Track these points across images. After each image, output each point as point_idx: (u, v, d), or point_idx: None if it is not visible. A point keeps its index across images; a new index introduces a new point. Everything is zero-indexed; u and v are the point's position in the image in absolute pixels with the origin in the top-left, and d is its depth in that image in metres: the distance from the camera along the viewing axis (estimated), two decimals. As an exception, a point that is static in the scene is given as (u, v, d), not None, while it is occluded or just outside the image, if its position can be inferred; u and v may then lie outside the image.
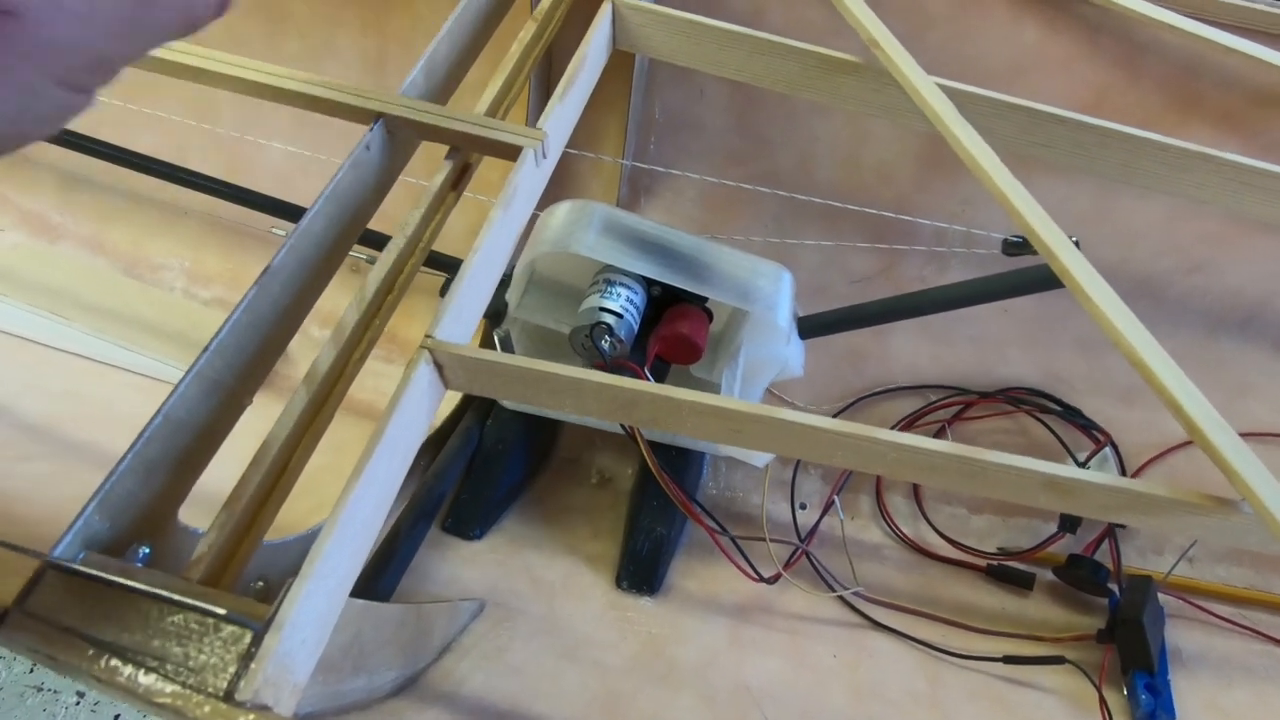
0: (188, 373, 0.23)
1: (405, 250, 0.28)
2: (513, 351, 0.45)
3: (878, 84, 0.34)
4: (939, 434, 0.53)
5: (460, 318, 0.26)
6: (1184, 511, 0.24)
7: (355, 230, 0.30)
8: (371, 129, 0.30)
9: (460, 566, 0.43)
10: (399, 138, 0.31)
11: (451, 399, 0.53)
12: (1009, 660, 0.41)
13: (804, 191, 0.54)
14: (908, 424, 0.53)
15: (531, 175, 0.30)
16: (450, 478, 0.44)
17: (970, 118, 0.34)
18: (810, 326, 0.46)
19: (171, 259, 0.58)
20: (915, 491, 0.53)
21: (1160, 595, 0.45)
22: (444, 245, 0.31)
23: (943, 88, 0.33)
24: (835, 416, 0.54)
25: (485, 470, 0.48)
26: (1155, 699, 0.40)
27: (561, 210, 0.43)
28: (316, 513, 0.40)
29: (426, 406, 0.25)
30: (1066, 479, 0.23)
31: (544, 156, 0.31)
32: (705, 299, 0.43)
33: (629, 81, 0.50)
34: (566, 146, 0.55)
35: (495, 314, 0.48)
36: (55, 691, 0.56)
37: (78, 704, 0.55)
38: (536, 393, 0.25)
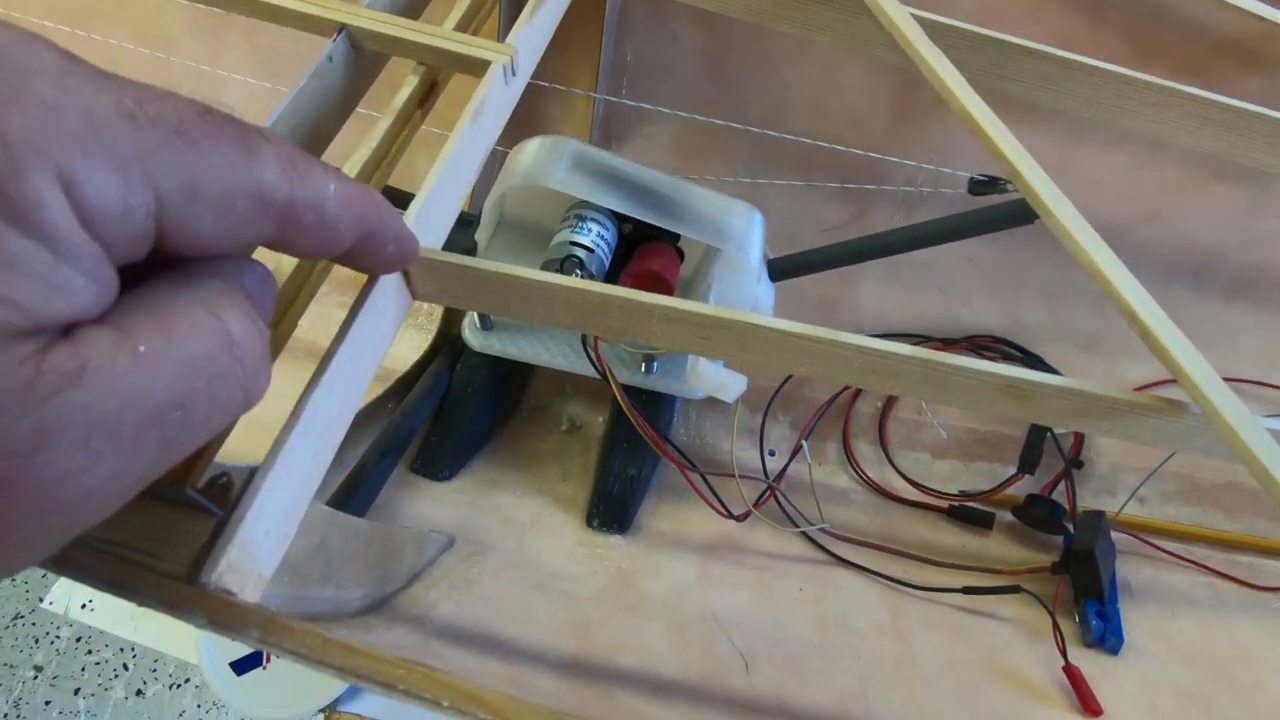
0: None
1: (369, 164, 0.27)
2: (482, 291, 0.44)
3: (851, 13, 0.34)
4: (905, 381, 0.54)
5: (427, 226, 0.25)
6: (1137, 413, 0.24)
7: (317, 147, 0.29)
8: (335, 40, 0.29)
9: (429, 505, 0.43)
10: (364, 51, 0.30)
11: (420, 344, 0.53)
12: (968, 591, 0.43)
13: (776, 137, 0.54)
14: (875, 371, 0.54)
15: (500, 93, 0.30)
16: (419, 416, 0.44)
17: (943, 49, 0.34)
18: (781, 269, 0.46)
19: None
20: (881, 436, 0.54)
21: (1112, 533, 0.47)
22: (407, 182, 0.30)
23: (916, 17, 0.33)
24: (804, 364, 0.55)
25: (454, 413, 0.47)
26: (1105, 624, 0.41)
27: (532, 145, 0.42)
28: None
29: (393, 313, 0.24)
30: (1025, 381, 0.24)
31: (513, 74, 0.30)
32: (677, 238, 0.43)
33: (600, 23, 0.49)
34: (529, 98, 0.54)
35: (464, 254, 0.47)
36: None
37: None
38: (507, 300, 0.25)
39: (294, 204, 0.15)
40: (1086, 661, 0.40)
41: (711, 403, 0.56)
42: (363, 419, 0.45)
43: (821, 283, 0.49)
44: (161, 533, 0.18)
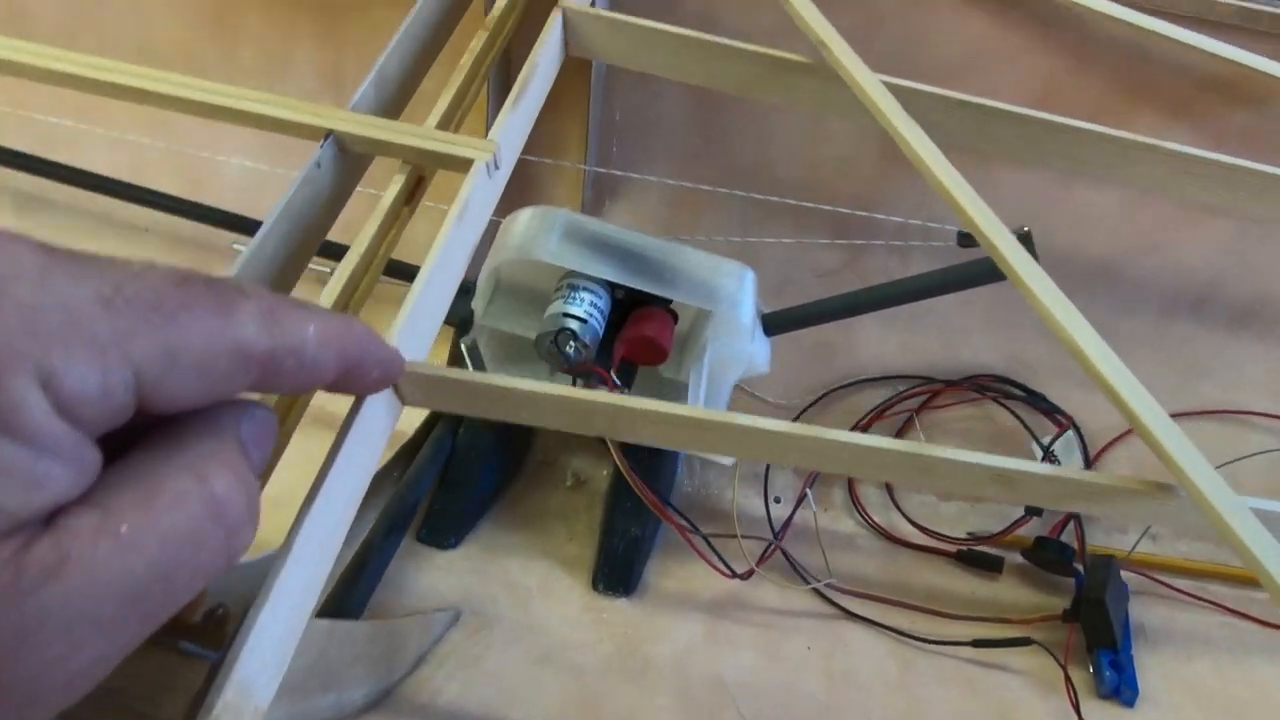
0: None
1: (359, 267, 0.28)
2: (480, 360, 0.45)
3: (829, 84, 0.34)
4: (907, 424, 0.54)
5: (415, 334, 0.26)
6: (1125, 497, 0.24)
7: (310, 247, 0.30)
8: (322, 146, 0.30)
9: (436, 576, 0.43)
10: (351, 153, 0.31)
11: (419, 414, 0.53)
12: (978, 644, 0.42)
13: (766, 188, 0.54)
14: (877, 415, 0.54)
15: (484, 187, 0.30)
16: (423, 487, 0.45)
17: (920, 114, 0.34)
18: (775, 323, 0.46)
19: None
20: (886, 482, 0.54)
21: (1124, 573, 0.47)
22: (407, 254, 0.31)
23: (892, 86, 0.34)
24: (805, 410, 0.55)
25: (459, 478, 0.48)
26: (1119, 675, 0.41)
27: (523, 217, 0.43)
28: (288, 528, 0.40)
29: (383, 424, 0.25)
30: (1012, 471, 0.24)
31: (496, 168, 0.31)
32: (670, 300, 0.43)
33: (588, 86, 0.50)
34: (528, 154, 0.55)
35: (462, 322, 0.48)
36: None
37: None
38: (494, 407, 0.25)
39: (274, 354, 0.16)
40: (1101, 715, 0.40)
41: (715, 450, 0.56)
42: (368, 491, 0.46)
43: (819, 329, 0.49)
44: (159, 679, 0.19)
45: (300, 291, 0.29)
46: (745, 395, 0.56)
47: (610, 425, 0.24)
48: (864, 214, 0.46)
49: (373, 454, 0.24)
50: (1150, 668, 0.43)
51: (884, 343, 0.55)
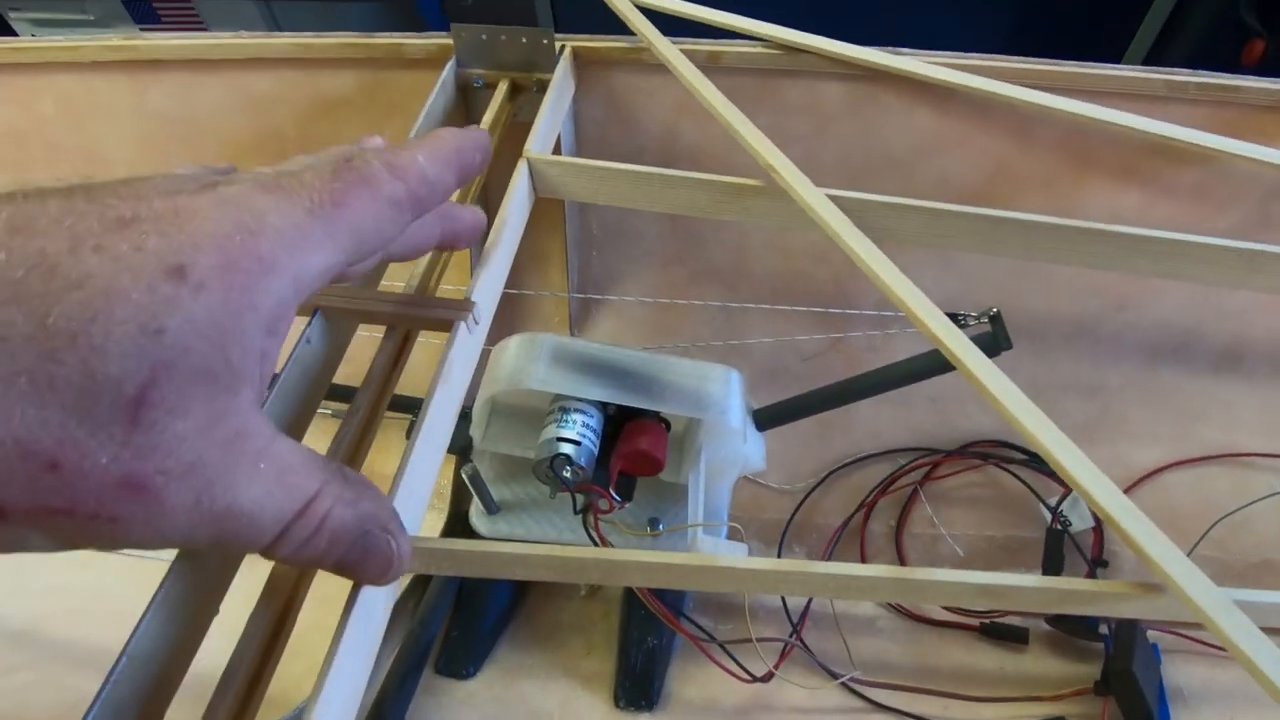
0: (148, 608, 0.24)
1: (365, 414, 0.29)
2: (482, 486, 0.46)
3: (781, 201, 0.36)
4: (912, 498, 0.54)
5: (406, 506, 0.27)
6: (1114, 600, 0.25)
7: (312, 405, 0.31)
8: (310, 322, 0.32)
9: (457, 710, 0.43)
10: (336, 324, 0.33)
11: (435, 524, 0.54)
12: (1011, 728, 0.41)
13: (744, 283, 0.56)
14: (881, 492, 0.54)
15: (465, 344, 0.32)
16: (437, 619, 0.45)
17: (873, 221, 0.36)
18: (766, 418, 0.47)
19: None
20: (900, 555, 0.53)
21: (1152, 633, 0.46)
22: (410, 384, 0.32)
23: (840, 199, 0.36)
24: (810, 493, 0.55)
25: (472, 602, 0.48)
26: (1160, 748, 0.40)
27: (511, 346, 0.45)
28: (309, 675, 0.41)
29: (384, 598, 0.26)
30: (998, 586, 0.24)
31: (476, 323, 0.32)
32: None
33: (563, 207, 0.52)
34: (509, 278, 0.57)
35: (462, 450, 0.49)
36: None
37: None
38: (488, 567, 0.26)
39: (411, 192, 0.21)
40: (1147, 794, 0.38)
41: (735, 535, 0.56)
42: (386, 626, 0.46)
43: (813, 410, 0.50)
44: None
45: (312, 435, 0.30)
46: (750, 483, 0.57)
47: (601, 574, 0.25)
48: (838, 312, 0.47)
49: (377, 625, 0.25)
50: (1192, 735, 0.41)
51: (879, 418, 0.56)
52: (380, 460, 0.55)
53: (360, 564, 0.21)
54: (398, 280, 0.35)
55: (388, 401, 0.31)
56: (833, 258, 0.55)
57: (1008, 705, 0.43)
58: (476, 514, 0.48)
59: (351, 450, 0.29)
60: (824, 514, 0.55)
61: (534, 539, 0.48)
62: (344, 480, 0.20)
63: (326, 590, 0.26)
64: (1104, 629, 0.46)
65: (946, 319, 0.30)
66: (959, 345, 0.29)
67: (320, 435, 0.29)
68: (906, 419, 0.55)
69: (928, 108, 0.47)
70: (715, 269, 0.56)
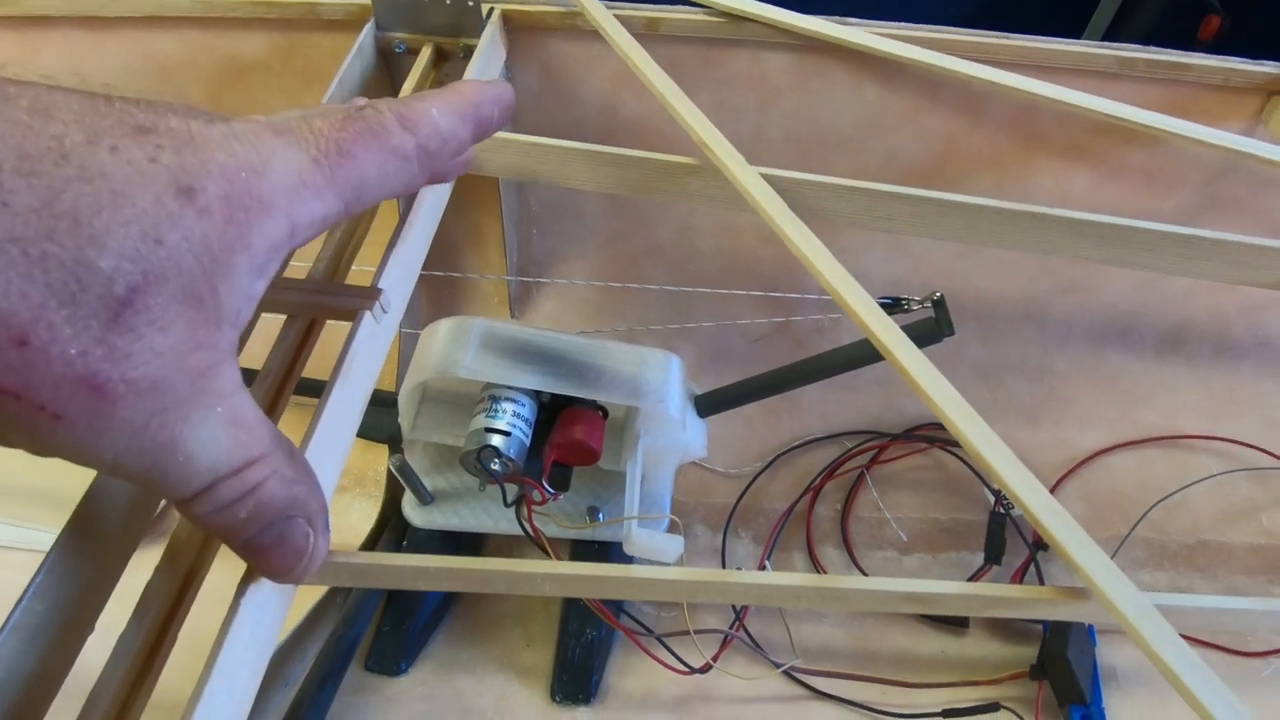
0: (3, 628, 0.21)
1: (264, 400, 0.27)
2: (413, 477, 0.44)
3: (716, 181, 0.35)
4: (859, 481, 0.54)
5: (301, 511, 0.25)
6: (1039, 605, 0.24)
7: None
8: (200, 312, 0.29)
9: (385, 709, 0.41)
10: (234, 312, 0.30)
11: (370, 512, 0.52)
12: (948, 714, 0.41)
13: (690, 262, 0.54)
14: (827, 475, 0.54)
15: (372, 335, 0.29)
16: (364, 616, 0.43)
17: (812, 203, 0.35)
18: (708, 404, 0.46)
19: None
20: (845, 539, 0.53)
21: (1089, 614, 0.46)
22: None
23: (778, 179, 0.34)
24: (756, 477, 0.54)
25: (405, 596, 0.46)
26: (1091, 731, 0.40)
27: (440, 331, 0.42)
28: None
29: (272, 614, 0.24)
30: (922, 593, 0.23)
31: (384, 312, 0.30)
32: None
33: (497, 182, 0.50)
34: (448, 255, 0.54)
35: (391, 439, 0.47)
36: None
37: None
38: (390, 580, 0.24)
39: (421, 146, 0.21)
40: (1078, 777, 0.39)
41: (674, 528, 0.55)
42: (310, 622, 0.44)
43: (760, 394, 0.49)
44: None
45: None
46: (696, 468, 0.55)
47: (508, 585, 0.24)
48: (785, 296, 0.46)
49: (263, 646, 0.23)
50: (1124, 717, 0.42)
51: (826, 401, 0.55)
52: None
53: (271, 550, 0.20)
54: (305, 261, 0.33)
55: (291, 391, 0.29)
56: (778, 237, 0.54)
57: (945, 690, 0.43)
58: (410, 504, 0.46)
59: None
60: (771, 498, 0.54)
61: (469, 528, 0.46)
62: (289, 458, 0.19)
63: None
64: (1042, 612, 0.46)
65: (878, 307, 0.29)
66: (890, 336, 0.28)
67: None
68: (854, 402, 0.54)
69: (876, 83, 0.45)
70: (660, 247, 0.54)
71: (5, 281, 0.14)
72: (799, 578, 0.23)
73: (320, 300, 0.29)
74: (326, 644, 0.39)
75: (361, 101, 0.21)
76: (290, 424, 0.26)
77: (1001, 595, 0.23)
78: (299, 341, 0.31)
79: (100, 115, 0.16)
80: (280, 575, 0.20)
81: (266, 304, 0.30)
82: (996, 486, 0.51)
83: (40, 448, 0.15)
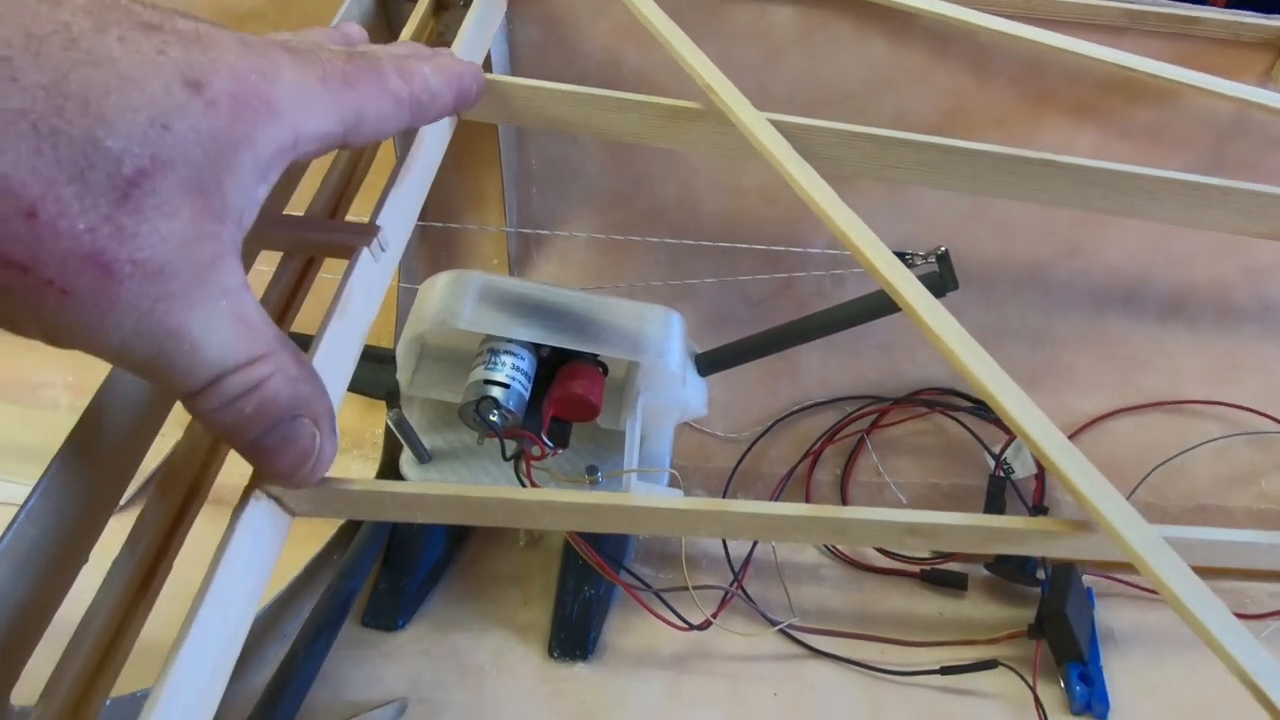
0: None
1: None
2: (411, 433, 0.43)
3: (721, 127, 0.34)
4: (859, 446, 0.53)
5: (297, 442, 0.24)
6: (1043, 538, 0.24)
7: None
8: (194, 247, 0.28)
9: (381, 664, 0.41)
10: (229, 250, 0.30)
11: (367, 474, 0.51)
12: (945, 671, 0.41)
13: (692, 224, 0.54)
14: (827, 440, 0.53)
15: (370, 272, 0.29)
16: (361, 572, 0.43)
17: (818, 149, 0.34)
18: (709, 362, 0.45)
19: (52, 376, 0.55)
20: (844, 503, 0.53)
21: (1088, 577, 0.46)
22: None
23: (785, 124, 0.33)
24: (755, 442, 0.54)
25: (403, 553, 0.46)
26: (1089, 689, 0.40)
27: (439, 284, 0.42)
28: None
29: (268, 542, 0.23)
30: (926, 524, 0.23)
31: (383, 250, 0.30)
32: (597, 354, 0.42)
33: (497, 137, 0.49)
34: (446, 212, 0.54)
35: (390, 395, 0.47)
36: None
37: None
38: (385, 509, 0.24)
39: (414, 96, 0.22)
40: (1074, 733, 0.39)
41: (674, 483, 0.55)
42: (307, 576, 0.44)
43: (760, 359, 0.48)
44: None
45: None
46: (695, 431, 0.55)
47: (505, 515, 0.23)
48: (791, 250, 0.45)
49: (257, 579, 0.23)
50: (1121, 676, 0.42)
51: (827, 365, 0.54)
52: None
53: (277, 450, 0.20)
54: (301, 207, 0.32)
55: (289, 325, 0.29)
56: (783, 198, 0.53)
57: (943, 649, 0.43)
58: (407, 462, 0.45)
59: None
60: (770, 463, 0.54)
61: (467, 485, 0.46)
62: (295, 358, 0.19)
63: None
64: (1041, 574, 0.46)
65: (892, 255, 0.28)
66: (904, 283, 0.27)
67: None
68: (854, 367, 0.54)
69: (883, 38, 0.44)
70: (661, 208, 0.53)
71: (14, 154, 0.14)
72: (800, 508, 0.23)
73: (317, 237, 0.29)
74: (322, 597, 0.39)
75: (359, 39, 0.22)
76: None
77: (1005, 527, 0.23)
78: (295, 280, 0.30)
79: (108, 7, 0.16)
80: (287, 477, 0.20)
81: (263, 241, 0.29)
82: (998, 449, 0.50)
83: (48, 329, 0.16)
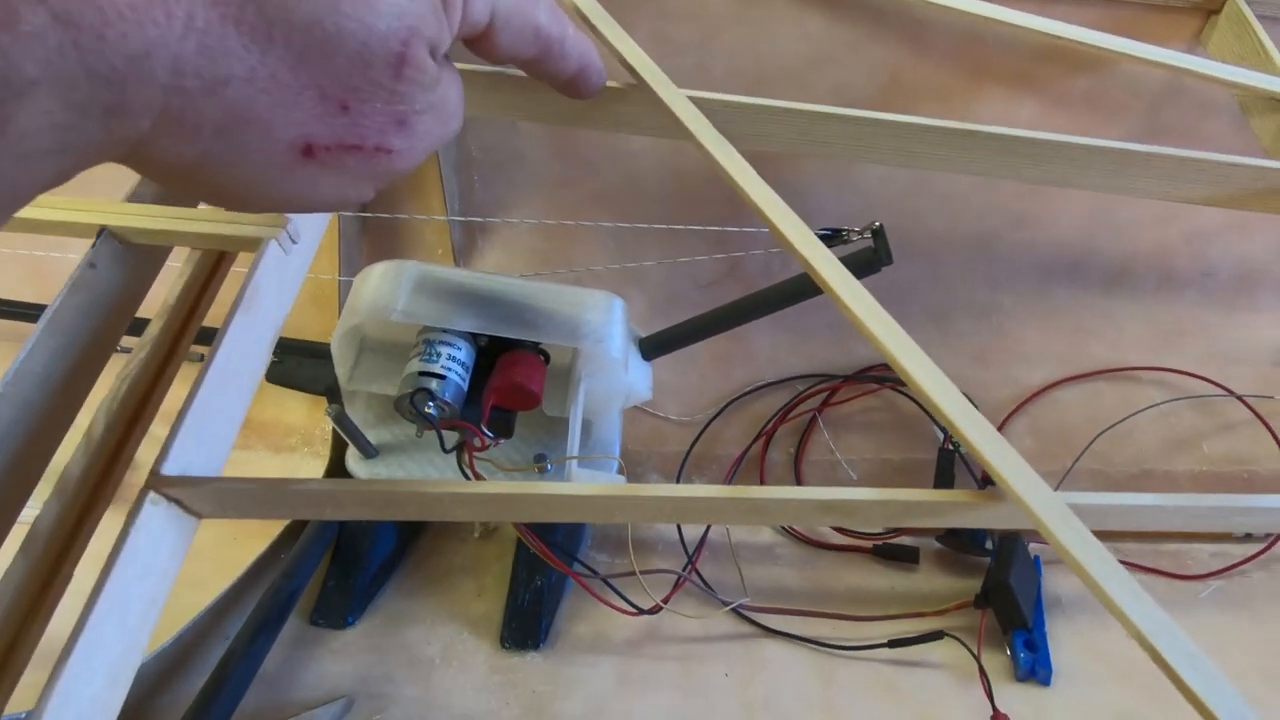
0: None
1: (143, 368, 0.26)
2: (352, 429, 0.43)
3: (647, 107, 0.33)
4: (811, 424, 0.53)
5: (201, 443, 0.24)
6: (958, 509, 0.24)
7: (98, 357, 0.28)
8: (95, 245, 0.27)
9: (329, 661, 0.41)
10: (134, 247, 0.29)
11: (317, 472, 0.51)
12: (894, 644, 0.42)
13: (637, 205, 0.53)
14: (779, 420, 0.53)
15: (281, 266, 0.28)
16: (305, 570, 0.42)
17: (745, 127, 0.34)
18: (653, 346, 0.45)
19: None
20: (799, 484, 0.53)
21: (1036, 545, 0.47)
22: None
23: (711, 102, 0.33)
24: (709, 423, 0.54)
25: (352, 549, 0.45)
26: (1033, 655, 0.41)
27: (374, 275, 0.41)
28: (167, 632, 0.38)
29: (169, 545, 0.23)
30: (840, 500, 0.23)
31: (294, 242, 0.29)
32: (538, 342, 0.42)
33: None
34: (389, 203, 0.53)
35: (329, 390, 0.46)
36: None
37: None
38: (294, 507, 0.24)
39: (552, 37, 0.23)
40: (1019, 699, 0.39)
41: (627, 476, 0.55)
42: (252, 575, 0.43)
43: (712, 340, 0.48)
44: None
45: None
46: (649, 416, 0.55)
47: (418, 508, 0.23)
48: (733, 229, 0.45)
49: (156, 585, 0.22)
50: (1065, 641, 0.42)
51: (777, 345, 0.54)
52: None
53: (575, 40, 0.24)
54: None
55: (193, 335, 0.28)
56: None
57: (893, 623, 0.43)
58: (353, 458, 0.45)
59: (143, 389, 0.26)
60: (725, 444, 0.54)
61: (414, 479, 0.45)
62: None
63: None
64: (990, 544, 0.46)
65: (810, 232, 0.28)
66: (820, 260, 0.27)
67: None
68: (803, 346, 0.54)
69: (819, 12, 0.44)
70: (607, 192, 0.52)
71: (319, 64, 0.17)
72: (715, 489, 0.23)
73: (221, 229, 0.28)
74: (264, 596, 0.38)
75: None
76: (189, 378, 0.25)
77: (919, 500, 0.23)
78: (204, 279, 0.29)
79: None
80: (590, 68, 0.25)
81: (160, 235, 0.28)
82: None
83: (382, 178, 0.20)
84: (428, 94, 0.19)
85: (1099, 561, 0.20)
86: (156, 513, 0.22)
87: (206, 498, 0.23)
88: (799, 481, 0.53)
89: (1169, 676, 0.19)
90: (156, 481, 0.22)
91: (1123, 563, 0.47)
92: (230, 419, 0.26)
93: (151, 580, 0.22)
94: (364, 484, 0.23)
